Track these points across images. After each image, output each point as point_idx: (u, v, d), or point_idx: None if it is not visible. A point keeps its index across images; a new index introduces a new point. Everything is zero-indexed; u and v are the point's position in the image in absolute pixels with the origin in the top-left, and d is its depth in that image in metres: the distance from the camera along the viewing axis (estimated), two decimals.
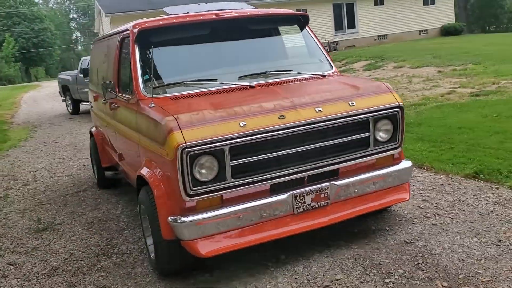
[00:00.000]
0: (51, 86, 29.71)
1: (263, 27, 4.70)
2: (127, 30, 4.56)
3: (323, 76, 4.36)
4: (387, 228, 4.17)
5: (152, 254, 3.85)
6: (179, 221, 3.35)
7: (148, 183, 3.63)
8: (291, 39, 4.75)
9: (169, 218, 3.40)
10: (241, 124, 3.39)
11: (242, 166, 3.40)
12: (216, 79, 4.12)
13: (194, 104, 3.70)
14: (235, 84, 4.06)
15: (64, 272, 4.12)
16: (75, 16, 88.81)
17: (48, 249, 4.69)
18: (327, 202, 3.68)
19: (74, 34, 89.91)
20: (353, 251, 3.80)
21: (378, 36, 29.78)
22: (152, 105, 3.75)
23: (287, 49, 4.79)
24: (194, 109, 3.50)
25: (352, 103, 3.72)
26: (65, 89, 17.39)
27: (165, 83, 4.07)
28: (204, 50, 4.44)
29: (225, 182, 3.38)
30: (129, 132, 4.34)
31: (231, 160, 3.35)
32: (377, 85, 3.97)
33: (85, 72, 14.80)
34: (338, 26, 29.43)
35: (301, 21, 4.74)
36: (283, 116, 3.51)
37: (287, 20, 4.76)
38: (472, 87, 10.77)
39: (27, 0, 63.49)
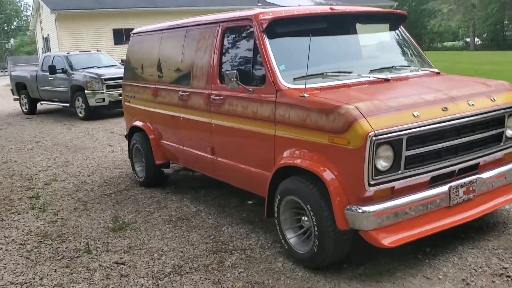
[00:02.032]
0: None
1: (371, 23, 4.77)
2: (239, 19, 4.43)
3: (438, 73, 4.51)
4: (504, 221, 4.37)
5: (301, 249, 3.76)
6: (359, 211, 3.32)
7: (313, 172, 3.54)
8: (391, 36, 4.85)
9: (348, 208, 3.35)
10: (415, 115, 3.43)
11: (413, 157, 3.44)
12: (352, 71, 4.13)
13: (350, 94, 3.69)
14: (372, 77, 4.09)
15: (193, 270, 3.89)
16: None
17: (148, 247, 4.40)
18: (474, 195, 3.81)
19: None
20: (494, 243, 3.95)
21: None
22: (306, 95, 3.68)
23: (391, 46, 4.87)
24: (360, 99, 3.49)
25: (494, 98, 3.90)
26: (19, 87, 16.24)
27: (304, 75, 3.98)
28: (327, 42, 4.42)
29: (399, 172, 3.40)
30: (251, 125, 4.19)
31: (406, 150, 3.38)
32: (502, 83, 4.19)
33: (51, 69, 13.98)
34: None
35: (400, 19, 4.86)
36: (446, 108, 3.60)
37: (389, 18, 4.86)
38: None
39: None
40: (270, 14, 4.20)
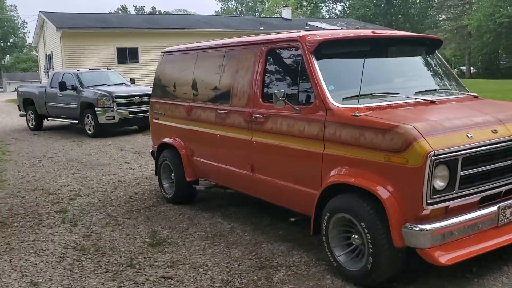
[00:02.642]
0: None
1: (409, 47, 4.92)
2: (285, 40, 4.56)
3: (476, 97, 4.65)
4: None
5: (351, 267, 3.82)
6: (417, 229, 3.39)
7: (367, 190, 3.62)
8: (428, 60, 4.99)
9: (406, 226, 3.42)
10: (469, 136, 3.55)
11: (467, 177, 3.54)
12: (398, 93, 4.25)
13: (404, 115, 3.80)
14: (418, 99, 4.21)
15: (242, 285, 3.93)
16: None
17: (192, 263, 4.43)
18: None
19: None
20: None
21: None
22: (358, 114, 3.78)
23: (430, 69, 5.01)
24: (415, 120, 3.60)
25: None
26: (27, 103, 16.27)
27: (353, 95, 4.10)
28: (372, 64, 4.55)
29: (453, 192, 3.49)
30: (297, 143, 4.28)
31: (461, 171, 3.48)
32: None
33: (62, 86, 14.06)
34: None
35: (436, 44, 5.02)
36: (496, 130, 3.72)
37: (425, 42, 5.01)
38: None
39: None
40: (317, 36, 4.33)
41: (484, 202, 3.75)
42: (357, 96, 4.05)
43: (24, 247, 5.01)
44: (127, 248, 4.88)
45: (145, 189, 7.28)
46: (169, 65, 6.56)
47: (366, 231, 3.63)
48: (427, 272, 3.87)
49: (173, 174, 6.41)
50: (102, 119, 13.32)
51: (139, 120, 13.92)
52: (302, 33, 4.47)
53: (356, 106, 3.85)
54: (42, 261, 4.63)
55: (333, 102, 4.02)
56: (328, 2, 49.53)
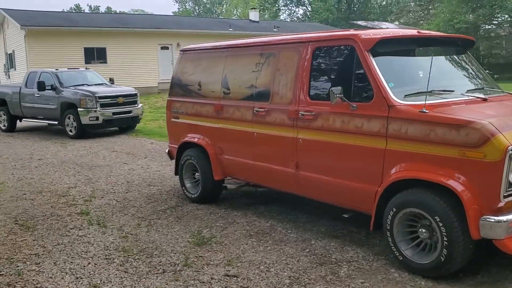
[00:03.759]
0: None
1: (448, 47, 5.08)
2: (337, 39, 4.62)
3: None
4: None
5: (419, 260, 3.91)
6: (493, 220, 3.53)
7: (438, 184, 3.73)
8: (465, 59, 5.16)
9: (483, 218, 3.55)
10: None
11: None
12: (454, 90, 4.39)
13: (469, 111, 3.94)
14: (472, 96, 4.37)
15: (312, 281, 3.95)
16: None
17: (249, 260, 4.40)
18: None
19: None
20: None
21: None
22: (426, 110, 3.89)
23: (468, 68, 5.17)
24: (487, 116, 3.74)
25: None
26: None
27: (414, 92, 4.21)
28: (422, 63, 4.68)
29: None
30: (354, 140, 4.34)
31: None
32: None
33: (40, 85, 13.57)
34: None
35: (469, 44, 5.21)
36: None
37: (459, 42, 5.18)
38: None
39: None
40: (372, 34, 4.42)
41: None
42: (417, 93, 4.17)
43: (63, 250, 4.83)
44: (173, 248, 4.80)
45: (160, 190, 7.15)
46: (191, 64, 6.48)
47: (441, 224, 3.73)
48: (486, 263, 4.01)
49: (197, 173, 6.34)
50: (85, 120, 12.94)
51: (122, 121, 13.66)
52: (356, 31, 4.53)
53: (423, 102, 3.95)
54: (89, 263, 4.48)
55: (396, 99, 4.11)
56: (291, 5, 50.15)
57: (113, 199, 6.69)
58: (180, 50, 6.84)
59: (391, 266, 4.15)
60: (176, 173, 6.72)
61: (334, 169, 4.60)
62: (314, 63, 4.81)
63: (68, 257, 4.64)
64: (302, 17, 49.73)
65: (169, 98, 6.87)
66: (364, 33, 4.46)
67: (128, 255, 4.64)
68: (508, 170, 3.48)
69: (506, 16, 34.56)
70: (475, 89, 4.66)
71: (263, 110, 5.25)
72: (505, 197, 3.54)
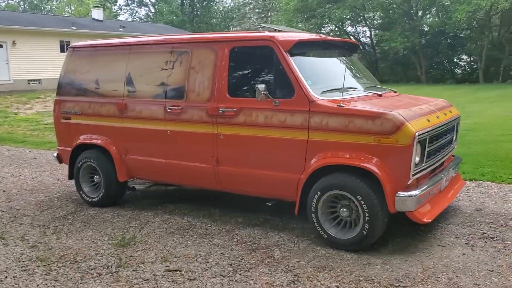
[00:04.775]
0: None
1: (347, 51, 5.73)
2: (254, 39, 4.93)
3: (395, 91, 5.69)
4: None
5: (343, 236, 4.43)
6: (406, 195, 4.19)
7: (357, 168, 4.28)
8: (353, 61, 5.86)
9: (399, 194, 4.18)
10: (428, 120, 4.50)
11: (428, 153, 4.48)
12: (357, 88, 5.01)
13: (378, 104, 4.58)
14: (370, 92, 5.04)
15: (254, 266, 4.19)
16: None
17: (183, 255, 4.46)
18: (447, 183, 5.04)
19: None
20: (462, 219, 5.21)
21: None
22: (342, 105, 4.42)
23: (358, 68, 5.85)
24: (393, 108, 4.40)
25: (450, 110, 5.23)
26: None
27: (328, 89, 4.71)
28: (327, 63, 5.23)
29: (423, 165, 4.40)
30: (278, 133, 4.68)
31: (427, 147, 4.41)
32: (443, 100, 5.57)
33: None
34: None
35: (355, 48, 5.95)
36: (438, 116, 4.76)
37: (355, 47, 5.90)
38: None
39: None
40: (288, 37, 4.83)
41: (431, 173, 4.75)
42: (332, 90, 4.70)
43: None
44: (96, 251, 4.62)
45: (48, 196, 6.67)
46: (84, 61, 6.21)
47: (363, 202, 4.27)
48: (387, 235, 4.69)
49: (96, 176, 6.11)
50: None
51: None
52: (272, 34, 4.87)
53: (339, 98, 4.48)
54: (6, 277, 4.11)
55: (315, 95, 4.57)
56: (133, 5, 48.96)
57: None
58: (69, 47, 6.49)
59: (316, 245, 4.60)
60: (70, 177, 6.36)
61: (257, 162, 4.88)
62: (232, 62, 5.02)
63: None
64: (145, 18, 48.96)
65: (57, 98, 6.47)
66: (280, 35, 4.84)
67: (48, 264, 4.35)
68: (415, 152, 4.16)
69: (334, 26, 38.52)
70: (370, 86, 5.36)
71: (177, 108, 5.31)
72: (413, 175, 4.22)
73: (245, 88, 5.02)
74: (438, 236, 4.75)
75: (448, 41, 33.69)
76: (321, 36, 5.35)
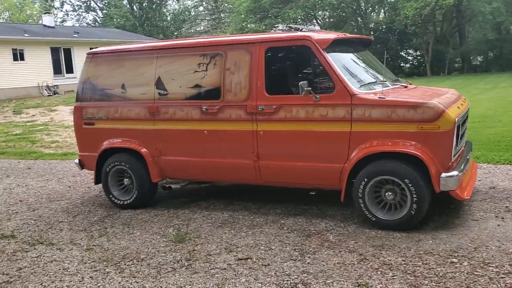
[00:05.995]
0: None
1: (365, 46, 6.14)
2: (291, 39, 5.24)
3: (411, 84, 6.15)
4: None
5: (390, 218, 4.81)
6: (448, 175, 4.63)
7: (402, 154, 4.67)
8: (371, 55, 6.27)
9: (443, 175, 4.61)
10: (458, 107, 4.97)
11: (458, 137, 4.95)
12: (386, 81, 5.42)
13: (413, 94, 5.01)
14: (399, 84, 5.47)
15: (315, 249, 4.49)
16: None
17: (245, 245, 4.70)
18: None
19: None
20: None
21: None
22: (384, 97, 4.82)
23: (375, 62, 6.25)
24: (427, 97, 4.85)
25: (464, 99, 5.75)
26: None
27: (366, 83, 5.10)
28: (354, 59, 5.61)
29: (457, 147, 4.87)
30: (321, 126, 5.00)
31: (458, 131, 4.88)
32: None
33: None
34: (57, 70, 28.70)
35: (369, 44, 6.37)
36: (462, 104, 5.26)
37: (370, 42, 6.31)
38: None
39: None
40: (323, 35, 5.18)
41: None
42: (369, 83, 5.10)
43: (33, 274, 4.38)
44: (157, 248, 4.78)
45: (72, 203, 6.69)
46: (106, 67, 6.28)
47: (410, 185, 4.67)
48: (428, 214, 5.13)
49: (125, 179, 6.21)
50: None
51: None
52: (307, 33, 5.20)
53: (380, 90, 4.87)
54: (83, 277, 4.21)
55: (355, 89, 4.93)
56: (80, 10, 47.72)
57: (27, 219, 6.06)
58: (88, 53, 6.53)
59: (364, 228, 4.96)
60: (96, 182, 6.42)
61: (299, 154, 5.19)
62: (268, 62, 5.29)
63: (49, 278, 4.25)
64: (93, 23, 47.87)
65: (77, 104, 6.50)
66: (315, 35, 5.17)
67: (115, 263, 4.48)
68: (455, 136, 4.62)
69: (284, 26, 39.26)
70: (394, 79, 5.80)
71: (214, 108, 5.52)
72: (453, 156, 4.67)
73: (283, 85, 5.31)
74: (468, 212, 5.24)
75: (396, 37, 35.19)
76: (345, 34, 5.73)
